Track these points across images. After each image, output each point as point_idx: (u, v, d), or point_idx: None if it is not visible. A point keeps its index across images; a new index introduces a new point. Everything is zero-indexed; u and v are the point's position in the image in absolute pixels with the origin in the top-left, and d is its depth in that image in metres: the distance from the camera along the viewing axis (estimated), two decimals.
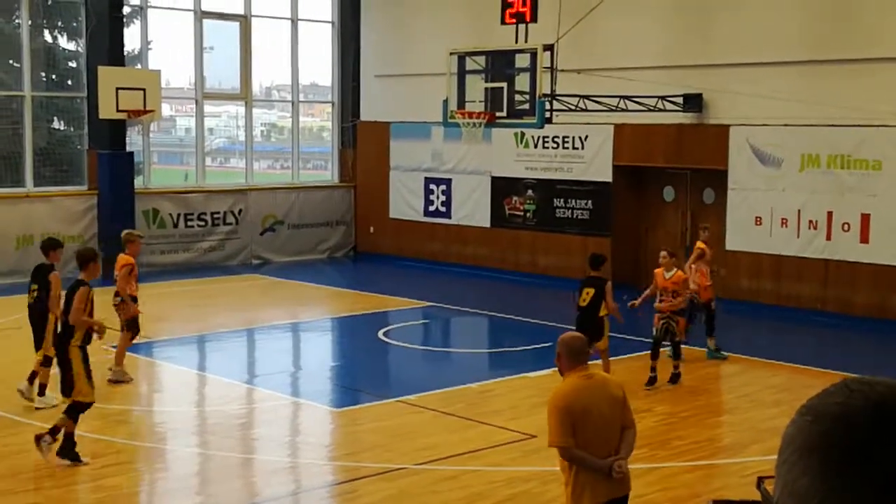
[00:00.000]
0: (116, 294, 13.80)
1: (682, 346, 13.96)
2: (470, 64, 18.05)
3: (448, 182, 23.67)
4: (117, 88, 20.71)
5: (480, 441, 11.14)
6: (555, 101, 17.63)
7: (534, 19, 17.62)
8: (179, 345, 16.16)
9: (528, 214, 22.33)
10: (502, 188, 22.66)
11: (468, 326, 18.85)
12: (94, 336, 10.69)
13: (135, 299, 13.76)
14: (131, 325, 13.73)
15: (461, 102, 17.78)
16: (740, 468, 10.27)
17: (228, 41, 24.04)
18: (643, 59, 19.76)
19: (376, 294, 20.23)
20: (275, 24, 24.85)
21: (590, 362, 7.10)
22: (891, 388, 1.23)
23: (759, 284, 18.34)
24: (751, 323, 17.30)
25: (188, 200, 23.33)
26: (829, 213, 17.83)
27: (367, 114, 25.45)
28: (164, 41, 23.52)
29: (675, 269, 13.66)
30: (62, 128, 23.10)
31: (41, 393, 12.35)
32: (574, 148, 21.38)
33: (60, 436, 10.13)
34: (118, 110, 20.76)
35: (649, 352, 13.60)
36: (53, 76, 22.39)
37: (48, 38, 22.47)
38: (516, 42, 17.77)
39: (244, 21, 24.06)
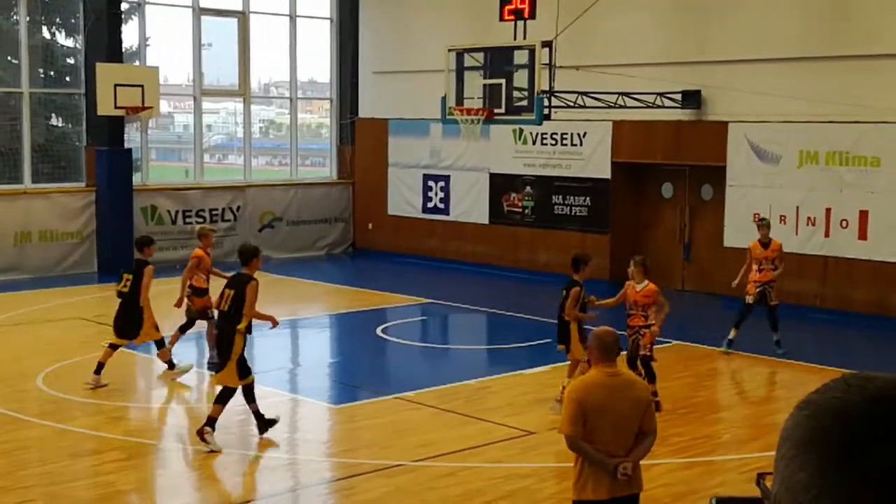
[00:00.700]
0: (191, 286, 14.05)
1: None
2: (468, 60, 18.04)
3: (446, 179, 23.66)
4: (115, 85, 20.69)
5: (478, 437, 11.13)
6: (553, 98, 17.62)
7: (532, 16, 17.61)
8: (178, 342, 16.10)
9: (526, 211, 22.32)
10: (501, 185, 22.65)
11: (466, 323, 18.85)
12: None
13: (200, 292, 13.88)
14: (201, 315, 13.95)
15: (460, 99, 17.77)
16: (739, 464, 10.27)
17: (227, 38, 24.02)
18: (642, 56, 19.74)
19: (374, 291, 20.23)
20: (273, 20, 24.83)
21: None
22: (889, 383, 1.23)
23: None
24: (749, 320, 17.25)
25: (186, 197, 23.31)
26: (828, 210, 17.82)
27: (365, 110, 25.44)
28: (162, 38, 23.50)
29: (647, 281, 12.38)
30: (60, 124, 23.07)
31: (171, 367, 13.25)
32: (572, 144, 21.37)
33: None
34: (116, 107, 20.74)
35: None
36: (51, 73, 22.37)
37: (46, 34, 22.44)
38: (515, 39, 17.76)
39: (242, 17, 24.04)
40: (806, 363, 14.46)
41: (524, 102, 17.35)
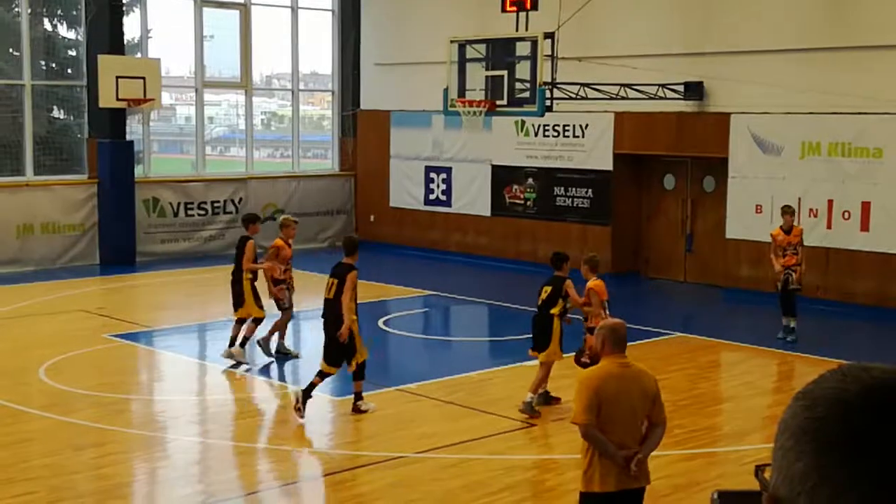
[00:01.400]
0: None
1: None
2: (470, 52, 18.02)
3: (448, 171, 23.65)
4: (117, 77, 20.69)
5: (481, 429, 11.14)
6: (555, 90, 17.60)
7: (534, 7, 17.60)
8: (179, 333, 16.16)
9: (528, 203, 22.31)
10: (503, 177, 22.64)
11: (468, 315, 18.85)
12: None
13: (276, 282, 14.09)
14: (279, 306, 14.22)
15: (461, 91, 17.76)
16: (740, 456, 10.27)
17: (228, 29, 23.99)
18: (644, 47, 19.72)
19: (376, 283, 20.19)
20: (275, 12, 24.80)
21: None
22: (885, 373, 1.23)
23: (759, 272, 18.29)
24: (751, 311, 17.28)
25: (188, 189, 23.31)
26: (830, 202, 17.80)
27: (367, 102, 25.42)
28: (163, 29, 23.47)
29: (591, 279, 11.90)
30: (62, 116, 23.07)
31: (231, 344, 13.69)
32: (574, 136, 21.35)
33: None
34: (118, 99, 20.74)
35: None
36: (53, 65, 22.36)
37: (48, 26, 22.43)
38: (517, 30, 17.74)
39: (244, 9, 24.01)
40: (807, 355, 14.46)
41: (526, 94, 17.33)
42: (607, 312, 11.34)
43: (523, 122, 21.85)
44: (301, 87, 25.87)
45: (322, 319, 12.02)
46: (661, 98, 18.93)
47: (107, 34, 21.47)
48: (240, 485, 9.76)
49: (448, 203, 23.69)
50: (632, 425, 6.79)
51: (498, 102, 17.43)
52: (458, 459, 10.16)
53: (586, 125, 21.06)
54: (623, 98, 18.66)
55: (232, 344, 13.79)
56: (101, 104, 20.81)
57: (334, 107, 26.08)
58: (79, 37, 22.32)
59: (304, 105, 26.77)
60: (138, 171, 22.48)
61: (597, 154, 20.99)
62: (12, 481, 9.44)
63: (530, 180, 22.20)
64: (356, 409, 11.60)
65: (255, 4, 24.15)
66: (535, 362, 11.85)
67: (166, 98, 24.21)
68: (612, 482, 6.73)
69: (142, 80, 20.91)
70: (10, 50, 21.75)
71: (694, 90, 19.20)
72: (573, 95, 18.10)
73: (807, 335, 15.77)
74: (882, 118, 17.07)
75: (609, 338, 6.87)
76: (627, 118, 20.33)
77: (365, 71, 25.38)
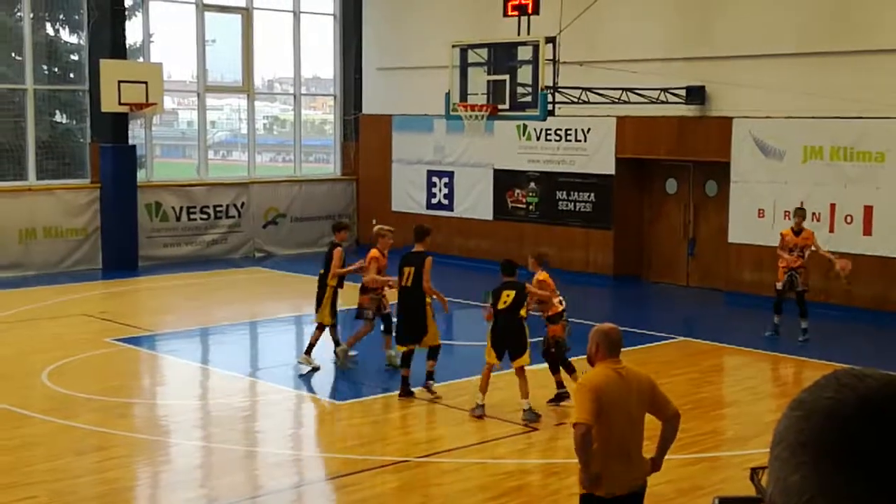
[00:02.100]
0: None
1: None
2: (472, 56, 18.03)
3: (450, 175, 23.66)
4: (119, 81, 20.71)
5: (483, 434, 11.14)
6: (557, 94, 17.61)
7: (536, 11, 17.61)
8: (182, 338, 16.16)
9: (530, 207, 22.31)
10: (505, 181, 22.64)
11: (470, 319, 18.83)
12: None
13: (366, 290, 13.99)
14: (364, 315, 14.19)
15: (463, 95, 17.77)
16: (743, 461, 10.26)
17: (230, 34, 24.01)
18: (646, 52, 19.73)
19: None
20: (277, 16, 24.83)
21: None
22: (880, 382, 1.23)
23: (761, 277, 18.29)
24: (753, 315, 17.26)
25: (191, 193, 23.32)
26: (832, 206, 17.80)
27: (369, 107, 25.44)
28: (165, 34, 23.49)
29: (536, 272, 12.38)
30: (64, 121, 23.08)
31: (307, 352, 13.77)
32: (576, 140, 21.35)
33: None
34: (120, 103, 20.75)
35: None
36: (55, 69, 22.37)
37: (50, 31, 22.45)
38: (518, 34, 17.76)
39: (246, 14, 24.04)
40: (810, 359, 14.45)
41: (528, 98, 17.34)
42: (560, 300, 12.32)
43: (525, 127, 21.85)
44: (303, 91, 25.89)
45: (400, 309, 12.54)
46: (662, 102, 18.93)
47: (109, 39, 21.49)
48: (243, 489, 9.75)
49: (450, 207, 23.69)
50: (635, 426, 6.76)
51: (500, 107, 17.44)
52: (461, 464, 10.16)
53: (588, 129, 21.06)
54: (625, 102, 18.66)
55: (337, 344, 14.00)
56: (104, 108, 20.82)
57: (336, 111, 26.09)
58: (81, 41, 22.34)
59: (307, 109, 26.79)
60: (141, 175, 22.49)
61: (599, 158, 20.99)
62: (15, 485, 9.43)
63: (532, 184, 22.21)
64: (428, 389, 12.31)
65: (256, 9, 24.18)
66: (506, 367, 11.82)
67: (168, 102, 24.22)
68: (603, 486, 6.70)
69: (144, 85, 20.92)
70: (13, 54, 21.77)
71: (696, 94, 19.20)
72: (575, 100, 18.11)
73: (810, 339, 15.77)
74: (884, 122, 17.06)
75: (602, 342, 6.81)
76: (629, 122, 20.33)
77: (367, 75, 25.40)
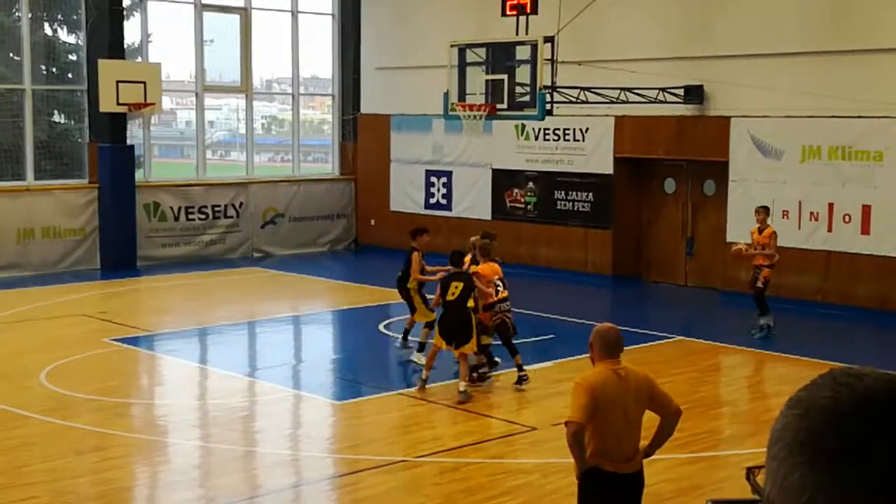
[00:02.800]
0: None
1: None
2: (470, 56, 18.03)
3: (449, 174, 23.66)
4: (118, 81, 20.71)
5: (482, 433, 11.14)
6: (555, 93, 17.61)
7: (534, 11, 17.61)
8: (180, 338, 16.16)
9: (528, 207, 22.31)
10: (503, 180, 22.64)
11: None
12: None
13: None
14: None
15: (462, 95, 17.77)
16: (742, 460, 10.26)
17: (229, 34, 24.01)
18: (644, 51, 19.73)
19: (377, 287, 20.19)
20: (275, 16, 24.82)
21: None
22: (878, 381, 1.23)
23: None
24: (752, 315, 17.25)
25: (189, 193, 23.31)
26: (831, 205, 17.81)
27: (367, 106, 25.43)
28: (164, 34, 23.49)
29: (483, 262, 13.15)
30: (63, 121, 23.07)
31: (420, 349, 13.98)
32: (575, 140, 21.36)
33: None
34: (119, 103, 20.75)
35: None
36: (54, 69, 22.36)
37: (48, 31, 22.44)
38: (517, 34, 17.76)
39: (244, 14, 24.03)
40: (808, 358, 14.45)
41: (526, 98, 17.34)
42: (501, 290, 12.93)
43: (523, 126, 21.85)
44: (301, 91, 25.88)
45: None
46: (661, 102, 18.94)
47: (107, 39, 21.48)
48: (241, 489, 9.75)
49: (448, 207, 23.69)
50: (627, 432, 6.73)
51: (498, 106, 17.44)
52: (460, 463, 10.16)
53: (587, 129, 21.06)
54: (623, 102, 18.66)
55: (421, 349, 14.00)
56: (102, 108, 20.82)
57: (335, 111, 26.09)
58: (79, 41, 22.33)
59: (305, 109, 26.78)
60: (139, 175, 22.48)
61: (597, 158, 20.99)
62: (13, 486, 9.43)
63: (531, 184, 22.21)
64: (472, 381, 12.61)
65: (255, 9, 24.17)
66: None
67: (167, 102, 24.22)
68: (608, 464, 6.71)
69: (142, 85, 20.92)
70: (11, 54, 21.77)
71: (694, 94, 19.21)
72: (573, 99, 18.11)
73: (808, 338, 15.79)
74: (882, 122, 17.07)
75: (598, 343, 6.78)
76: (628, 122, 20.34)
77: (365, 75, 25.40)
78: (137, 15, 22.79)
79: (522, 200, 22.40)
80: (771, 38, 18.36)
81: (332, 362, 15.09)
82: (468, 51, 18.04)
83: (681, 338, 15.96)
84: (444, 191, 23.81)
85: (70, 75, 22.54)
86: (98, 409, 11.83)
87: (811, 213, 18.01)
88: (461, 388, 12.27)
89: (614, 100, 18.57)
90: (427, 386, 12.60)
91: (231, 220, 23.83)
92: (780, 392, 13.26)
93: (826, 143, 17.80)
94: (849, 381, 1.23)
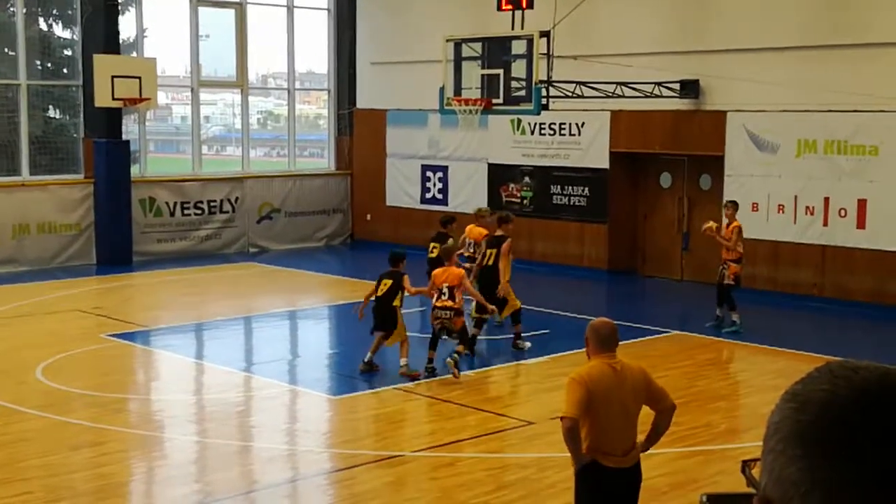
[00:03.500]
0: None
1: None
2: (466, 51, 18.02)
3: (445, 169, 23.65)
4: (113, 77, 20.67)
5: (478, 428, 11.15)
6: (551, 88, 17.61)
7: (530, 6, 17.61)
8: (176, 333, 16.15)
9: (524, 201, 22.31)
10: (499, 175, 22.63)
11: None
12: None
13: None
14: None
15: (458, 89, 17.76)
16: (738, 454, 10.26)
17: (224, 29, 23.97)
18: (640, 46, 19.72)
19: (373, 281, 20.18)
20: (270, 11, 24.79)
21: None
22: (874, 374, 1.22)
23: (755, 271, 18.32)
24: (747, 309, 17.27)
25: (184, 189, 23.29)
26: (826, 199, 17.82)
27: (363, 101, 25.42)
28: (159, 29, 23.46)
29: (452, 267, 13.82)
30: (58, 116, 23.04)
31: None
32: (571, 135, 21.35)
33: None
34: (114, 98, 20.71)
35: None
36: (49, 64, 22.33)
37: (43, 26, 22.40)
38: (513, 29, 17.75)
39: (240, 8, 23.99)
40: (804, 352, 14.47)
41: (522, 92, 17.34)
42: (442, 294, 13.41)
43: (519, 121, 21.84)
44: (297, 86, 25.86)
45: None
46: (657, 96, 18.94)
47: (102, 34, 21.45)
48: (237, 484, 9.75)
49: (444, 202, 23.68)
50: (629, 421, 6.75)
51: (494, 101, 17.44)
52: (456, 458, 10.16)
53: (582, 123, 21.06)
54: (619, 96, 18.66)
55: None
56: (97, 104, 20.78)
57: (330, 106, 26.07)
58: (74, 36, 22.30)
59: (301, 104, 26.76)
60: (134, 170, 22.46)
61: (593, 152, 20.99)
62: (9, 481, 9.42)
63: (527, 179, 22.20)
64: (515, 347, 14.20)
65: (250, 3, 24.14)
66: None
67: (162, 97, 24.19)
68: (604, 458, 6.71)
69: (138, 80, 20.88)
70: (6, 50, 21.73)
71: (690, 88, 19.21)
72: (569, 94, 18.11)
73: (804, 333, 15.80)
74: (878, 116, 17.08)
75: (592, 337, 6.77)
76: (623, 116, 20.33)
77: (361, 70, 25.38)
78: (132, 10, 22.75)
79: (518, 195, 22.39)
80: (767, 33, 18.36)
81: (327, 357, 15.09)
82: (464, 45, 18.03)
83: (677, 332, 15.97)
84: (439, 185, 23.80)
85: (65, 70, 22.50)
86: (94, 405, 11.82)
87: (807, 208, 18.02)
88: (402, 363, 12.98)
89: (610, 94, 18.56)
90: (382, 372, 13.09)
91: (227, 216, 23.81)
92: (776, 386, 13.27)
93: (822, 137, 17.81)
94: (846, 374, 1.23)
